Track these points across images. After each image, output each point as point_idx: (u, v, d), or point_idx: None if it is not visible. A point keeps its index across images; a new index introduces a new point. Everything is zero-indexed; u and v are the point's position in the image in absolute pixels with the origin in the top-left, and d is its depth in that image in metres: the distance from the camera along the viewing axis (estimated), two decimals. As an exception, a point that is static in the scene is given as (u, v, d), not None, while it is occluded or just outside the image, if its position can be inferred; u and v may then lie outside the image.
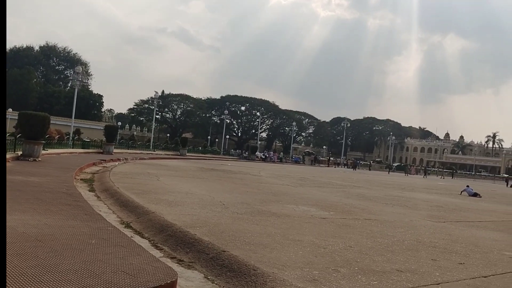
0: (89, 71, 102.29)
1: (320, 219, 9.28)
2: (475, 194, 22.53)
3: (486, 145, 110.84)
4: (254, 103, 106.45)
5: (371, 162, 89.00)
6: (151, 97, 77.91)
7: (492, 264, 6.40)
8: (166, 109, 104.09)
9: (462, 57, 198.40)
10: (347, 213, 10.68)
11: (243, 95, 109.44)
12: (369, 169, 64.86)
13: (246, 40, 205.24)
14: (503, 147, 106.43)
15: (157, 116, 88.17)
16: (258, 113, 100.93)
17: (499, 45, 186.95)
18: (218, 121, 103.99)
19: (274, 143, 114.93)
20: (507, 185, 46.71)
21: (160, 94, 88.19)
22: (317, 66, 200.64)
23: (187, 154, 48.32)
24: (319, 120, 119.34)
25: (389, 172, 58.02)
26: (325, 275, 4.88)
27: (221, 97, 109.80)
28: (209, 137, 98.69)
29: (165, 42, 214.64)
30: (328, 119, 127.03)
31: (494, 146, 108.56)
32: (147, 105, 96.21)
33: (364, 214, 10.79)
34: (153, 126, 70.44)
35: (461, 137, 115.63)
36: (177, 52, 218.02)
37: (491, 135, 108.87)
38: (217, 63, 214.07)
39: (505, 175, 67.67)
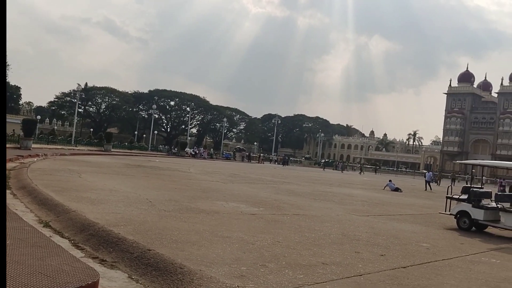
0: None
1: (250, 215, 9.39)
2: (397, 189, 23.91)
3: (407, 143, 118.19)
4: (184, 98, 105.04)
5: (303, 158, 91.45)
6: (73, 90, 74.26)
7: (411, 255, 6.84)
8: (90, 103, 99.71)
9: (386, 58, 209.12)
10: (276, 209, 10.90)
11: (173, 90, 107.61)
12: (315, 165, 66.82)
13: (176, 33, 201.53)
14: (423, 144, 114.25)
15: (79, 110, 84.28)
16: (188, 109, 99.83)
17: (420, 48, 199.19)
18: (146, 116, 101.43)
19: (204, 139, 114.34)
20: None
21: (83, 87, 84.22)
22: (249, 63, 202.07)
23: (112, 150, 46.72)
24: (251, 116, 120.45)
25: (323, 168, 59.63)
26: (252, 271, 4.95)
27: (149, 91, 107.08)
28: (136, 132, 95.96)
29: (89, 32, 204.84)
30: (259, 116, 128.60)
31: (414, 143, 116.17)
32: (69, 98, 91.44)
33: (293, 210, 11.08)
34: (75, 120, 67.24)
35: (385, 134, 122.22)
36: (102, 43, 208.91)
37: (412, 133, 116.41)
38: (145, 56, 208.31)
39: (424, 171, 72.57)
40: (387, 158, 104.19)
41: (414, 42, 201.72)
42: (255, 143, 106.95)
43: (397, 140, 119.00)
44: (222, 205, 10.50)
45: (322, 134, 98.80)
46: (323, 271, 5.30)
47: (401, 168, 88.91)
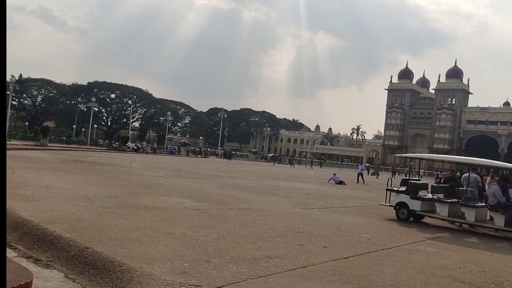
0: None
1: (194, 210, 9.32)
2: (341, 182, 24.62)
3: (351, 137, 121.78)
4: (126, 91, 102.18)
5: (250, 152, 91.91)
6: (7, 81, 70.23)
7: (352, 246, 7.07)
8: (25, 95, 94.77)
9: (331, 54, 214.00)
10: (221, 204, 10.89)
11: (114, 82, 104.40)
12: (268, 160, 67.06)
13: (117, 24, 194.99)
14: (366, 138, 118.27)
15: (13, 103, 79.89)
16: (130, 102, 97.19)
17: (363, 45, 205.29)
18: (85, 109, 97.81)
19: (147, 133, 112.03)
20: (368, 173, 51.88)
21: (17, 79, 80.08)
22: (193, 55, 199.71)
23: (49, 144, 44.74)
24: (196, 110, 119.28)
25: (274, 163, 59.93)
26: (196, 267, 4.92)
27: (89, 83, 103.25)
28: (74, 126, 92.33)
29: (23, 21, 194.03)
30: (205, 109, 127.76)
31: (358, 137, 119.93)
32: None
33: (238, 204, 11.11)
34: (9, 114, 63.77)
35: (330, 129, 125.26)
36: (37, 33, 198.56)
37: (356, 127, 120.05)
38: (84, 46, 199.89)
39: (367, 164, 75.19)
40: (332, 152, 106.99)
41: (358, 39, 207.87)
42: (201, 137, 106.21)
43: (342, 134, 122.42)
44: (165, 201, 10.35)
45: (269, 129, 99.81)
46: (267, 264, 5.36)
47: (345, 162, 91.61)
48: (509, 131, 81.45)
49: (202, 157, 59.87)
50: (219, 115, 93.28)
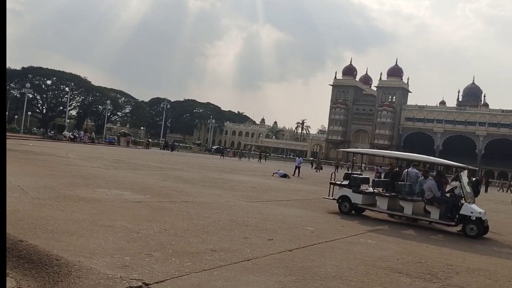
0: None
1: (135, 203, 9.12)
2: (285, 175, 25.00)
3: (296, 131, 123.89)
4: (63, 78, 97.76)
5: (193, 144, 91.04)
6: None
7: (296, 239, 7.21)
8: None
9: (277, 47, 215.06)
10: (164, 196, 10.73)
11: (50, 68, 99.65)
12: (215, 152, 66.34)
13: (55, 7, 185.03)
14: (310, 133, 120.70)
15: None
16: (67, 89, 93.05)
17: (310, 40, 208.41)
18: (18, 96, 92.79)
19: (85, 122, 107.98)
20: (311, 167, 53.01)
21: None
22: (136, 43, 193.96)
23: (-24, 132, 42.05)
24: (137, 99, 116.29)
25: (223, 156, 59.11)
26: (137, 261, 4.82)
27: (23, 68, 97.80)
28: (6, 113, 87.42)
29: None
30: (147, 99, 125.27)
31: (302, 132, 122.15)
32: None
33: (182, 197, 11.00)
34: None
35: (275, 122, 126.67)
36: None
37: (301, 122, 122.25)
38: (18, 29, 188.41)
39: (311, 158, 76.85)
40: (276, 145, 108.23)
41: (304, 35, 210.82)
42: (142, 128, 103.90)
43: (287, 128, 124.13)
44: (104, 193, 10.06)
45: (213, 120, 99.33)
46: (211, 257, 5.35)
47: (290, 155, 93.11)
48: (444, 129, 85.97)
49: (145, 148, 58.65)
50: (161, 105, 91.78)
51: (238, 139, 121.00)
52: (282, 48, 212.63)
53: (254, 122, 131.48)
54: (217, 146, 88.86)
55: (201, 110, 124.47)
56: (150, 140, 74.17)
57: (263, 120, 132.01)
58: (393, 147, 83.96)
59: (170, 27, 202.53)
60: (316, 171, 40.84)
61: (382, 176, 25.90)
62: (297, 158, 34.04)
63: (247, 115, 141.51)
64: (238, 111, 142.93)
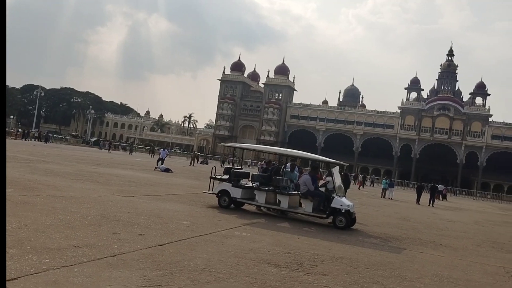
0: None
1: (-8, 197, 8.35)
2: (167, 170, 24.71)
3: (182, 125, 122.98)
4: None
5: (69, 135, 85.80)
6: None
7: (170, 233, 7.19)
8: None
9: (165, 38, 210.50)
10: (28, 190, 10.00)
11: None
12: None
13: None
14: (197, 127, 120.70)
15: None
16: None
17: (199, 33, 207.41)
18: None
19: None
20: (197, 162, 53.12)
21: None
22: (7, 22, 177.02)
23: None
24: (7, 85, 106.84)
25: (109, 150, 55.62)
26: (-15, 259, 4.44)
27: None
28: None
29: None
30: (18, 86, 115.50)
31: (189, 126, 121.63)
32: None
33: (49, 191, 10.34)
34: None
35: (161, 115, 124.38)
36: None
37: (188, 115, 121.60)
38: None
39: (197, 153, 76.93)
40: (162, 139, 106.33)
41: (194, 27, 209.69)
42: (12, 117, 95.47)
43: (173, 121, 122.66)
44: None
45: (93, 111, 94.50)
46: (73, 254, 5.12)
47: (176, 149, 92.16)
48: (326, 127, 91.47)
49: (14, 138, 53.88)
50: (35, 93, 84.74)
51: (120, 131, 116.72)
52: (170, 39, 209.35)
53: (138, 115, 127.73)
54: (96, 138, 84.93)
55: (79, 100, 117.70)
56: (20, 130, 68.25)
57: (148, 112, 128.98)
58: (278, 144, 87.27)
59: (48, 8, 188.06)
60: (191, 165, 40.43)
61: (273, 172, 26.78)
62: (162, 149, 32.74)
63: (131, 106, 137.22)
64: (121, 102, 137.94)
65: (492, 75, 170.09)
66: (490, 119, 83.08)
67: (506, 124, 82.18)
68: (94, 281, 4.31)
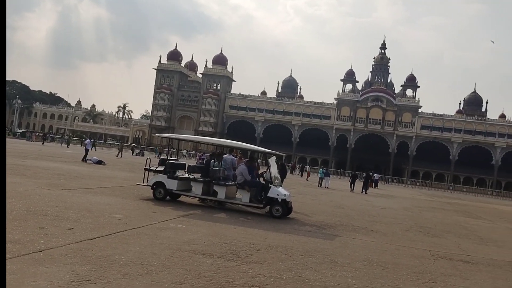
0: None
1: None
2: (100, 162, 23.98)
3: (116, 115, 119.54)
4: None
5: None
6: None
7: (101, 227, 7.01)
8: None
9: (97, 25, 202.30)
10: None
11: None
12: None
13: None
14: (132, 118, 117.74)
15: None
16: None
17: (133, 20, 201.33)
18: None
19: None
20: (132, 153, 51.98)
21: None
22: None
23: None
24: None
25: (68, 145, 52.59)
26: None
27: None
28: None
29: None
30: None
31: (124, 116, 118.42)
32: None
33: (-32, 186, 9.72)
34: None
35: (93, 105, 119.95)
36: None
37: (122, 106, 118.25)
38: None
39: (133, 144, 75.16)
40: (94, 130, 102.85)
41: (127, 14, 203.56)
42: None
43: (107, 112, 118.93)
44: None
45: (20, 101, 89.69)
46: (-6, 251, 4.87)
47: (109, 141, 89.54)
48: (264, 118, 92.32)
49: None
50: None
51: (50, 122, 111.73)
52: (102, 26, 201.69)
53: (69, 105, 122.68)
54: (24, 130, 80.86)
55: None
56: None
57: (79, 102, 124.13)
58: (217, 134, 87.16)
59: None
60: (117, 156, 39.29)
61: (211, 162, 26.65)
62: (86, 139, 31.55)
63: (60, 96, 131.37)
64: (50, 92, 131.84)
65: (421, 68, 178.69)
66: (420, 110, 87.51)
67: (435, 115, 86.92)
68: (18, 278, 4.14)
